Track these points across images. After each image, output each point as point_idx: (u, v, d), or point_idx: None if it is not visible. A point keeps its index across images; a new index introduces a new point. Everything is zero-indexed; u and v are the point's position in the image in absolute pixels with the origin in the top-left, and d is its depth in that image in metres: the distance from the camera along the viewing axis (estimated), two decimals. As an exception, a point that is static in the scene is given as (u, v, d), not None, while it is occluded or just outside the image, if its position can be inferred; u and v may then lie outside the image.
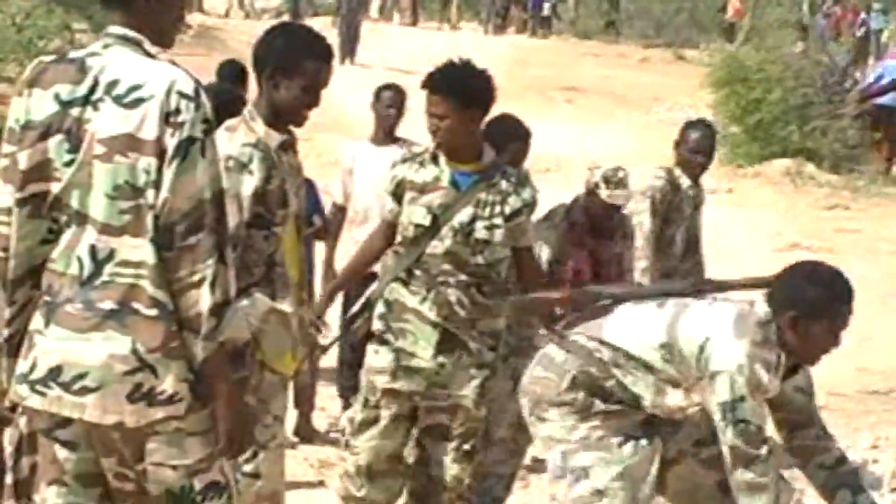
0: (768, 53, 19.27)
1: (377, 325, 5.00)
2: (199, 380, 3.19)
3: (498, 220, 4.89)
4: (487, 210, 4.89)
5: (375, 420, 5.01)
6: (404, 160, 5.02)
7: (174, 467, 3.22)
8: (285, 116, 4.26)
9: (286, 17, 27.65)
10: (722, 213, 12.11)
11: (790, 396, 4.36)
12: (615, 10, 34.74)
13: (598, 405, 4.29)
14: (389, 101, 6.98)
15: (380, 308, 4.98)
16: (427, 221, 4.87)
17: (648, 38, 33.07)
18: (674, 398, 4.26)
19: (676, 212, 6.76)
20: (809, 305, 4.18)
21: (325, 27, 24.91)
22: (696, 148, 6.76)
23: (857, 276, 11.68)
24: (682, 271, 6.67)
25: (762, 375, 4.12)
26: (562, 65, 25.22)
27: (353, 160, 7.08)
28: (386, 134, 6.97)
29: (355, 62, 23.16)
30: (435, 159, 4.92)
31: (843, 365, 8.65)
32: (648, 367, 4.26)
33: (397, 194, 4.96)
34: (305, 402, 6.89)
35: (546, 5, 32.43)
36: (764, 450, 4.14)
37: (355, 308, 5.18)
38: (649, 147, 13.13)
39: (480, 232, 4.87)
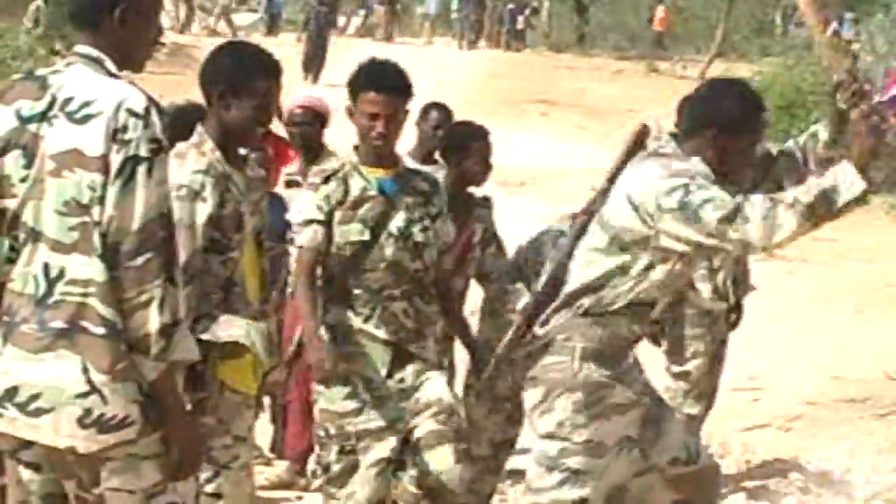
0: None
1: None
2: (150, 402, 3.16)
3: (428, 222, 4.82)
4: (417, 212, 4.81)
5: (354, 468, 4.79)
6: (326, 179, 4.80)
7: (131, 492, 3.19)
8: (237, 136, 4.23)
9: (259, 35, 27.65)
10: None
11: None
12: (585, 22, 34.84)
13: (611, 394, 4.16)
14: (436, 122, 6.28)
15: (323, 335, 4.75)
16: (366, 236, 4.74)
17: (622, 50, 33.16)
18: (656, 274, 4.13)
19: None
20: (728, 119, 4.12)
21: (290, 44, 24.94)
22: None
23: (833, 285, 11.68)
24: None
25: (688, 167, 4.02)
26: (536, 78, 25.28)
27: None
28: (428, 154, 6.20)
29: (319, 81, 22.02)
30: (357, 170, 4.79)
31: (819, 374, 8.67)
32: (617, 271, 4.14)
33: (331, 214, 4.75)
34: (281, 418, 6.83)
35: (520, 18, 32.52)
36: (737, 200, 3.90)
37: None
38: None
39: (418, 235, 4.79)
